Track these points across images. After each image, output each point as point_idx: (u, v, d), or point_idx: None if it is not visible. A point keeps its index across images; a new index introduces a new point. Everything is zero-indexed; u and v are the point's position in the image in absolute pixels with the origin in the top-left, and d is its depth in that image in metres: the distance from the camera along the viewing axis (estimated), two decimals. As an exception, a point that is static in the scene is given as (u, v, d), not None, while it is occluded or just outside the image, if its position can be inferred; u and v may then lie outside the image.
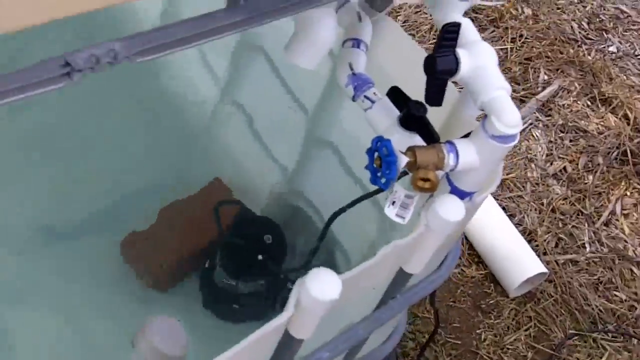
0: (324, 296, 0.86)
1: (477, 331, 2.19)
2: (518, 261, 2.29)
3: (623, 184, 2.61)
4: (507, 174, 2.54)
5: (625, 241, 2.48)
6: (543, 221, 2.47)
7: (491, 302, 2.25)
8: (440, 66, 0.98)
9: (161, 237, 1.62)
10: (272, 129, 1.67)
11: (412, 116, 1.08)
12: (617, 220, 2.53)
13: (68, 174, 1.70)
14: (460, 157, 1.00)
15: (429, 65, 0.99)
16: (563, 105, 2.77)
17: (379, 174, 0.99)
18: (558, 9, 3.12)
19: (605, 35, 3.11)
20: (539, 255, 2.34)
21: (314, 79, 1.42)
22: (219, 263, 1.52)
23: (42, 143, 1.74)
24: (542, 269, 2.26)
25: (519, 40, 2.91)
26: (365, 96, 1.15)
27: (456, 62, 0.99)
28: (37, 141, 1.74)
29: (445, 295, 2.24)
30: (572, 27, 3.08)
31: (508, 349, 2.18)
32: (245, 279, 1.50)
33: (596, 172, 2.61)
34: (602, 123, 2.75)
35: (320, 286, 0.86)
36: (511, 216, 2.44)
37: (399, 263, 1.05)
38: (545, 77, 2.84)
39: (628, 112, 2.78)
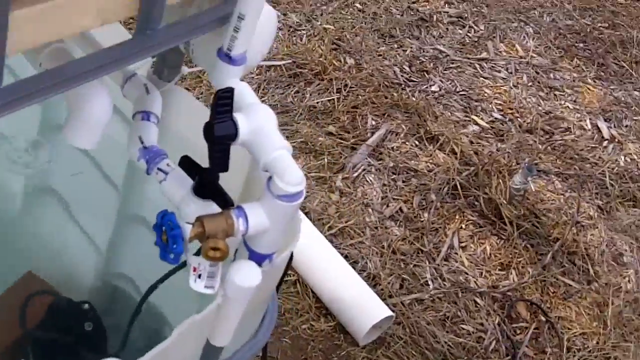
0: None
1: (332, 385, 2.18)
2: (363, 308, 2.30)
3: (457, 217, 2.69)
4: (346, 222, 2.57)
5: (466, 273, 2.55)
6: (385, 264, 2.50)
7: (342, 353, 2.25)
8: (219, 132, 0.97)
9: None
10: (87, 210, 1.61)
11: (204, 184, 1.06)
12: (455, 253, 2.60)
13: None
14: (250, 221, 0.98)
15: (208, 132, 0.97)
16: (392, 147, 2.84)
17: (167, 250, 0.97)
18: (379, 55, 3.23)
19: (426, 75, 3.23)
20: (384, 299, 2.36)
21: (120, 153, 1.38)
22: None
23: None
24: (387, 312, 2.27)
25: (345, 90, 2.97)
26: (158, 168, 1.12)
27: (235, 126, 0.98)
28: None
29: (297, 354, 2.22)
30: (394, 71, 3.18)
31: (364, 398, 2.18)
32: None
33: (430, 209, 2.68)
34: (431, 161, 2.83)
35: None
36: (354, 263, 2.46)
37: (203, 337, 1.02)
38: (373, 123, 2.91)
39: (454, 147, 2.88)
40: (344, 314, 2.29)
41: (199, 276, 1.01)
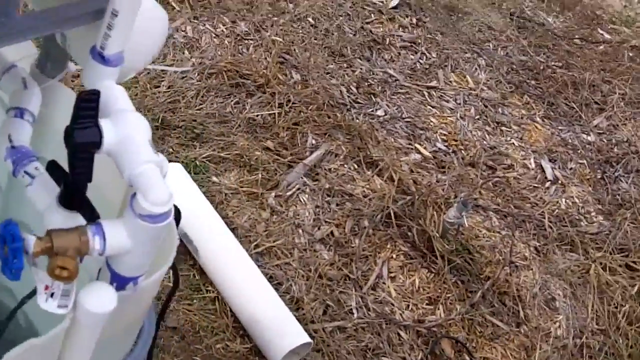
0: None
1: (238, 411, 2.08)
2: (282, 332, 2.20)
3: (389, 246, 2.61)
4: (274, 241, 2.48)
5: (392, 304, 2.47)
6: (310, 288, 2.41)
7: (255, 378, 2.15)
8: (80, 138, 0.87)
9: None
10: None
11: (69, 194, 0.96)
12: (384, 283, 2.52)
13: None
14: (108, 241, 0.89)
15: (68, 138, 0.88)
16: (330, 169, 2.76)
17: (7, 264, 0.87)
18: (327, 73, 3.15)
19: (373, 99, 3.16)
20: (306, 324, 2.27)
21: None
22: None
23: None
24: (306, 338, 2.18)
25: (287, 105, 2.89)
26: (25, 171, 1.02)
27: (99, 133, 0.88)
28: None
29: (208, 375, 2.12)
30: (340, 91, 3.11)
31: None
32: None
33: (362, 235, 2.60)
34: (367, 186, 2.75)
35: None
36: (279, 284, 2.37)
37: (48, 362, 0.92)
38: (313, 142, 2.83)
39: (393, 174, 2.81)
40: (261, 337, 2.20)
41: (52, 295, 0.91)
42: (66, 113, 1.17)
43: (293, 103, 2.91)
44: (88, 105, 0.87)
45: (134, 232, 0.89)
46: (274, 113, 2.85)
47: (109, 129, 0.89)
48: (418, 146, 3.03)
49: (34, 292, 1.16)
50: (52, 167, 1.00)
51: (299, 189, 2.66)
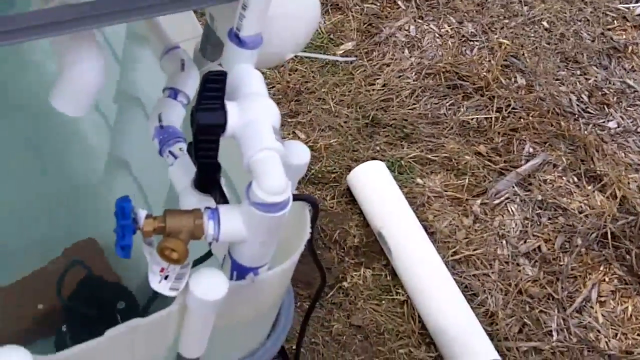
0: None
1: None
2: (469, 346, 2.10)
3: (602, 268, 2.40)
4: (474, 250, 2.37)
5: (598, 331, 2.27)
6: (508, 303, 2.27)
7: (438, 388, 2.07)
8: (203, 120, 0.86)
9: (11, 302, 1.51)
10: (157, 188, 1.56)
11: (202, 176, 0.96)
12: (591, 307, 2.32)
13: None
14: (222, 227, 0.87)
15: (192, 119, 0.87)
16: (546, 180, 2.59)
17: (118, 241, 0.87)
18: (556, 80, 2.96)
19: (606, 109, 2.92)
20: (499, 340, 2.15)
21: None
22: (67, 333, 1.41)
23: None
24: (494, 355, 2.06)
25: (505, 110, 2.75)
26: (170, 151, 1.03)
27: (224, 116, 0.87)
28: None
29: (389, 378, 2.07)
30: (569, 99, 2.91)
31: None
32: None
33: (573, 253, 2.41)
34: (586, 202, 2.55)
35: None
36: (473, 295, 2.26)
37: (160, 344, 0.92)
38: (531, 150, 2.67)
39: (617, 191, 2.58)
40: (447, 348, 2.11)
41: (166, 277, 0.90)
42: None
43: (513, 108, 2.77)
44: (214, 87, 0.85)
45: (248, 220, 0.87)
46: (491, 117, 2.73)
47: (234, 112, 0.87)
48: (652, 163, 2.76)
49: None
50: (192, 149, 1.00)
51: (508, 198, 2.52)
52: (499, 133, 2.68)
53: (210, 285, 0.86)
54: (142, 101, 1.44)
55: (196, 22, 1.20)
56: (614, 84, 3.04)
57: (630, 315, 2.31)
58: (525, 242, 2.43)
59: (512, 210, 2.50)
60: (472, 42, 2.99)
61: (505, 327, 2.21)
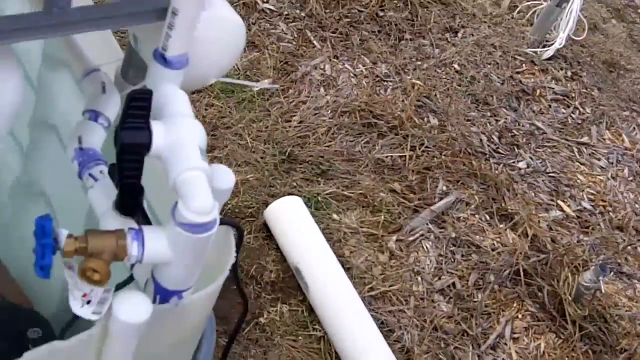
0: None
1: None
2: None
3: (515, 305, 2.44)
4: (390, 286, 2.38)
5: (511, 368, 2.30)
6: (424, 339, 2.28)
7: None
8: (127, 139, 0.83)
9: None
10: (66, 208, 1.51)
11: (124, 198, 0.93)
12: (505, 344, 2.35)
13: None
14: (146, 247, 0.84)
15: (115, 138, 0.84)
16: (459, 217, 2.63)
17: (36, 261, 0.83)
18: (468, 120, 3.03)
19: (516, 150, 3.01)
20: (414, 377, 2.15)
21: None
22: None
23: None
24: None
25: (419, 149, 2.79)
26: (90, 174, 1.00)
27: (149, 135, 0.84)
28: None
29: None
30: (480, 139, 2.98)
31: None
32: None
33: (487, 290, 2.45)
34: (498, 239, 2.60)
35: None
36: (390, 331, 2.26)
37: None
38: (444, 188, 2.72)
39: (528, 229, 2.64)
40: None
41: (88, 302, 0.86)
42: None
43: (427, 147, 2.82)
44: (139, 105, 0.83)
45: (174, 241, 0.84)
46: (405, 155, 2.76)
47: (159, 131, 0.85)
48: (561, 203, 2.85)
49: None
50: (114, 171, 0.97)
51: (422, 235, 2.55)
52: (413, 171, 2.72)
53: (133, 307, 0.82)
54: (57, 127, 1.39)
55: (116, 46, 1.17)
56: (523, 126, 3.14)
57: (543, 352, 2.35)
58: (439, 278, 2.45)
59: (426, 247, 2.52)
60: (386, 83, 3.04)
61: (421, 364, 2.22)
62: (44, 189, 1.44)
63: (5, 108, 0.88)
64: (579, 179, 3.00)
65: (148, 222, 0.92)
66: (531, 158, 3.00)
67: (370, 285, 2.36)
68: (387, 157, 2.73)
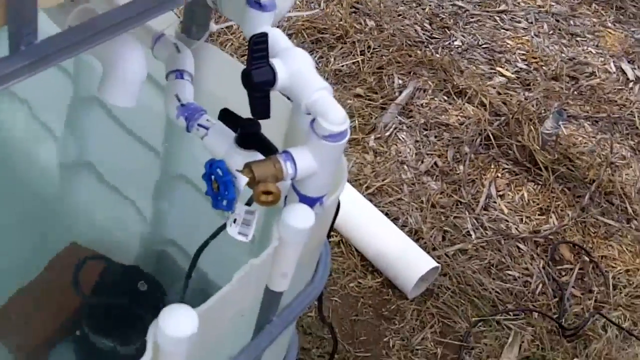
0: (180, 333, 0.83)
1: (384, 339, 2.19)
2: (409, 262, 2.31)
3: (493, 167, 2.69)
4: (383, 180, 2.58)
5: (507, 220, 2.55)
6: (426, 218, 2.50)
7: (392, 307, 2.26)
8: (257, 78, 0.98)
9: (25, 313, 1.56)
10: (125, 178, 1.64)
11: (246, 135, 1.07)
12: (494, 202, 2.60)
13: None
14: (298, 165, 0.99)
15: (247, 79, 0.98)
16: (422, 104, 2.84)
17: (219, 198, 0.98)
18: (399, 15, 3.21)
19: (448, 32, 3.21)
20: (428, 252, 2.37)
21: (154, 117, 1.41)
22: (89, 328, 1.46)
23: None
24: (433, 264, 2.28)
25: (368, 52, 2.97)
26: (199, 124, 1.13)
27: (272, 72, 0.99)
28: None
29: (348, 311, 2.24)
30: (415, 30, 3.17)
31: (417, 350, 2.19)
32: (124, 338, 1.45)
33: (465, 161, 2.68)
34: (461, 114, 2.83)
35: (175, 323, 0.83)
36: (395, 220, 2.47)
37: (262, 283, 1.04)
38: (400, 82, 2.91)
39: (483, 99, 2.87)
40: (391, 269, 2.31)
41: (234, 221, 1.02)
42: (215, 70, 1.28)
43: (374, 48, 2.99)
44: (260, 48, 0.97)
45: (318, 153, 0.99)
46: (358, 61, 2.93)
47: (280, 67, 0.99)
48: (500, 69, 3.08)
49: (205, 244, 1.29)
50: (226, 114, 1.11)
51: (396, 128, 2.75)
52: (369, 73, 2.90)
53: (301, 215, 0.98)
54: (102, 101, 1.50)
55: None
56: (447, 8, 3.34)
57: (528, 200, 2.61)
58: (422, 162, 2.67)
59: (403, 138, 2.73)
60: (317, -2, 3.18)
61: (431, 239, 2.44)
62: (92, 163, 1.56)
63: (135, 78, 1.00)
64: (508, 44, 3.24)
65: (275, 149, 1.07)
66: (463, 36, 3.22)
67: (366, 185, 2.55)
68: (342, 66, 2.90)
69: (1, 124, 1.80)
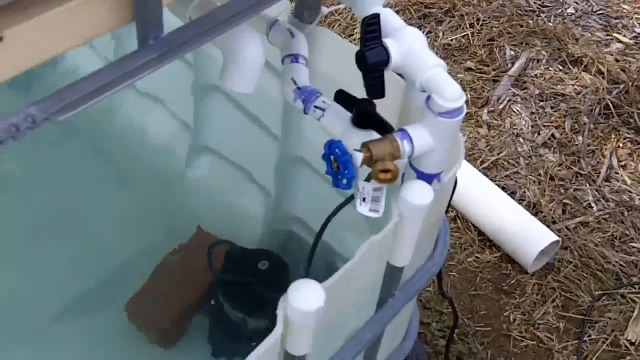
0: (309, 307, 0.86)
1: (505, 314, 2.18)
2: (528, 236, 2.28)
3: (613, 136, 2.61)
4: (498, 154, 2.55)
5: (630, 192, 2.47)
6: (544, 191, 2.46)
7: (512, 282, 2.24)
8: (371, 59, 0.99)
9: (162, 293, 1.65)
10: (246, 161, 1.69)
11: (362, 114, 1.09)
12: (616, 173, 2.53)
13: (58, 253, 1.71)
14: (414, 142, 1.00)
15: (361, 60, 1.00)
16: (535, 75, 2.78)
17: (339, 177, 1.00)
18: (508, -16, 3.15)
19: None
20: (548, 225, 2.33)
21: (272, 101, 1.45)
22: (223, 299, 1.54)
23: (21, 225, 1.76)
24: (553, 237, 2.25)
25: (477, 24, 2.93)
26: (315, 106, 1.16)
27: (386, 52, 1.00)
28: (16, 224, 1.76)
29: (466, 286, 2.24)
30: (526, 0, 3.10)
31: (539, 324, 2.17)
32: (252, 311, 1.51)
33: (584, 131, 2.61)
34: (577, 83, 2.75)
35: (304, 297, 0.86)
36: (512, 194, 2.44)
37: (383, 258, 1.06)
38: (512, 53, 2.86)
39: (600, 67, 2.79)
40: (509, 244, 2.29)
41: (364, 199, 1.04)
42: (328, 52, 1.31)
43: (483, 20, 2.95)
44: (372, 29, 0.98)
45: (434, 130, 1.00)
46: (467, 34, 2.90)
47: (393, 46, 1.00)
48: (617, 35, 2.98)
49: (327, 221, 1.32)
50: (341, 95, 1.13)
51: (509, 100, 2.71)
52: (479, 46, 2.86)
53: (420, 192, 0.99)
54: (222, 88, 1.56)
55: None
56: (558, -25, 3.24)
57: (652, 170, 2.53)
58: (539, 134, 2.62)
59: (517, 110, 2.68)
60: (424, -28, 3.16)
61: (550, 212, 2.40)
62: (215, 148, 1.62)
63: (254, 65, 1.04)
64: (624, 8, 3.12)
65: (390, 128, 1.08)
66: (576, 2, 3.12)
67: (480, 159, 2.53)
68: (451, 40, 2.87)
69: (133, 116, 1.89)
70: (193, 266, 1.65)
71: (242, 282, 1.52)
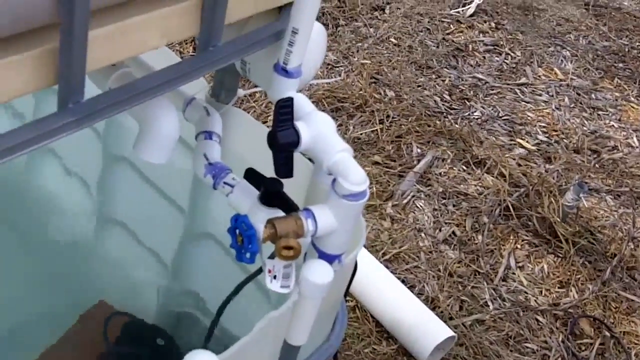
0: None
1: (398, 408, 2.18)
2: (425, 329, 2.30)
3: (512, 237, 2.69)
4: (400, 247, 2.59)
5: (526, 292, 2.54)
6: (443, 287, 2.51)
7: (407, 375, 2.25)
8: (282, 139, 1.02)
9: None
10: (151, 234, 1.68)
11: (269, 193, 1.11)
12: (513, 273, 2.60)
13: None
14: (318, 222, 1.02)
15: (272, 140, 1.02)
16: (440, 173, 2.87)
17: (243, 251, 1.01)
18: (418, 86, 3.27)
19: (467, 103, 3.27)
20: (445, 321, 2.36)
21: (181, 176, 1.45)
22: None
23: None
24: (449, 332, 2.28)
25: (387, 121, 3.02)
26: (224, 182, 1.17)
27: (296, 134, 1.03)
28: None
29: (361, 377, 2.23)
30: (435, 100, 3.22)
31: (432, 420, 2.17)
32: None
33: (484, 231, 2.69)
34: (480, 184, 2.85)
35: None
36: (411, 287, 2.47)
37: (280, 336, 1.05)
38: (419, 151, 2.95)
39: (503, 170, 2.90)
40: (406, 337, 2.30)
41: (274, 277, 1.05)
42: (241, 132, 1.33)
43: (392, 118, 3.04)
44: (285, 111, 1.01)
45: (338, 211, 1.03)
46: (376, 129, 2.98)
47: (303, 129, 1.03)
48: (520, 141, 3.12)
49: (227, 300, 1.31)
50: (251, 173, 1.14)
51: (413, 196, 2.78)
52: (387, 142, 2.94)
53: (319, 271, 1.00)
54: (128, 157, 1.55)
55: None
56: (466, 80, 3.40)
57: (548, 273, 2.61)
58: (440, 230, 2.68)
59: (420, 206, 2.75)
60: (338, 68, 3.25)
61: (447, 308, 2.44)
62: (123, 221, 1.60)
63: (168, 137, 1.05)
64: (529, 116, 3.28)
65: (293, 208, 1.10)
66: (483, 107, 3.27)
67: (382, 251, 2.57)
68: (361, 134, 2.95)
69: (37, 179, 1.85)
70: (90, 336, 1.61)
71: (134, 355, 1.49)
